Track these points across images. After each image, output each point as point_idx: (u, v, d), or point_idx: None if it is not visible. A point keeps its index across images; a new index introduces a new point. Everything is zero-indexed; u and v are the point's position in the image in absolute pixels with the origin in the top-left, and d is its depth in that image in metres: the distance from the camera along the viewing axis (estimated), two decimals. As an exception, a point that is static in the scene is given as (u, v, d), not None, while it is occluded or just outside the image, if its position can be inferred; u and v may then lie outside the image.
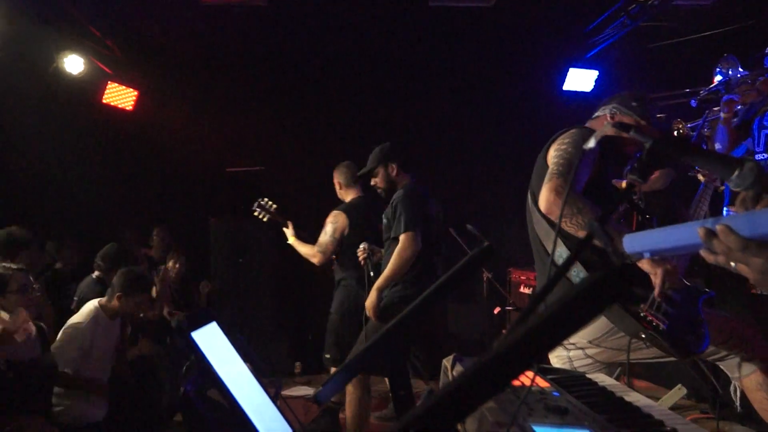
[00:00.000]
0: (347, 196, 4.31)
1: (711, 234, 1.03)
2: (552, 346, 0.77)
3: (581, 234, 2.09)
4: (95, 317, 3.40)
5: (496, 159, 6.43)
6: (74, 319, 3.43)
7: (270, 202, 4.54)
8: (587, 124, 2.44)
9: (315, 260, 4.18)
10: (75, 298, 4.19)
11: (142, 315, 3.84)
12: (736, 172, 1.27)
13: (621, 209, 2.32)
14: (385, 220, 3.66)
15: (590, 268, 2.07)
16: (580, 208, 2.02)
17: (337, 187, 4.37)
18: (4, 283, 2.89)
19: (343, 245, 4.13)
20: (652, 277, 1.95)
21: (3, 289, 2.88)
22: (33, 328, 3.01)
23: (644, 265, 1.95)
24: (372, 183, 3.83)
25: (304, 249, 4.27)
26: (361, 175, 3.96)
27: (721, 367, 2.37)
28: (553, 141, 2.32)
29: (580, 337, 2.19)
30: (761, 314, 3.33)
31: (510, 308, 5.12)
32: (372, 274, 3.66)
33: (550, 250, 2.25)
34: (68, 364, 3.21)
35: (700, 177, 3.72)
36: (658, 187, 4.49)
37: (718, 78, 4.30)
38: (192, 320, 1.37)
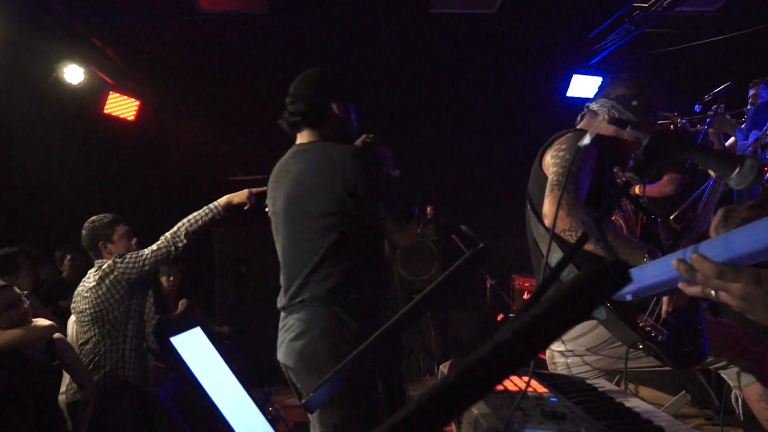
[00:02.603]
0: None
1: (686, 264, 0.99)
2: (544, 344, 0.73)
3: (589, 248, 2.05)
4: None
5: (499, 166, 6.40)
6: None
7: None
8: (581, 124, 2.37)
9: None
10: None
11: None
12: (737, 170, 1.23)
13: (625, 209, 2.28)
14: None
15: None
16: (584, 220, 1.98)
17: None
18: None
19: None
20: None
21: None
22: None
23: None
24: None
25: None
26: None
27: (722, 375, 2.32)
28: (548, 146, 2.25)
29: (578, 345, 2.14)
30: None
31: (513, 315, 5.08)
32: None
33: (541, 262, 2.22)
34: None
35: (712, 172, 3.68)
36: (668, 192, 4.44)
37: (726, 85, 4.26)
38: (172, 324, 1.34)
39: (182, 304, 5.13)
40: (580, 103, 7.16)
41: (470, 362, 0.68)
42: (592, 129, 1.23)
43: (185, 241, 3.22)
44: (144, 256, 3.15)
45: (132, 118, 6.29)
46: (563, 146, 2.16)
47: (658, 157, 1.21)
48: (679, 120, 4.38)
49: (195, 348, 1.36)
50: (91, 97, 6.04)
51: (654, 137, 1.20)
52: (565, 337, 2.13)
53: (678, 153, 1.21)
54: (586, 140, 1.16)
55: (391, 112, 6.48)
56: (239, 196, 3.26)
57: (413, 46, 6.13)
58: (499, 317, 5.04)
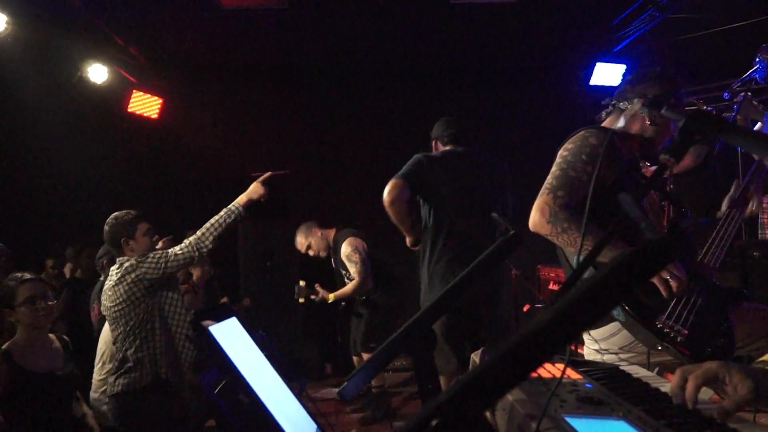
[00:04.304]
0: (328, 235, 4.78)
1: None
2: (584, 327, 0.73)
3: (571, 250, 2.04)
4: None
5: (523, 155, 6.33)
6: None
7: (302, 284, 4.77)
8: (606, 122, 2.26)
9: (366, 288, 4.41)
10: (96, 303, 4.20)
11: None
12: (774, 150, 1.21)
13: (651, 200, 2.24)
14: None
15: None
16: (564, 228, 1.95)
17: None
18: (12, 296, 2.78)
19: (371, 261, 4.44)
20: (658, 285, 1.89)
21: (11, 303, 2.78)
22: (54, 340, 2.98)
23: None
24: None
25: (348, 291, 4.47)
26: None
27: (759, 360, 2.28)
28: (564, 141, 2.20)
29: (611, 344, 2.12)
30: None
31: (539, 306, 5.05)
32: None
33: (566, 255, 2.20)
34: None
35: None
36: (689, 165, 4.33)
37: (755, 67, 4.18)
38: (210, 314, 1.35)
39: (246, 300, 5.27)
40: (604, 91, 7.10)
41: (508, 347, 0.68)
42: (626, 111, 1.20)
43: (210, 246, 3.23)
44: (167, 258, 3.13)
45: (155, 116, 6.36)
46: (570, 146, 2.12)
47: (695, 139, 1.19)
48: (705, 108, 4.30)
49: (232, 337, 1.37)
50: (115, 96, 6.12)
51: (691, 118, 1.18)
52: (597, 337, 2.12)
53: (715, 134, 1.19)
54: (621, 123, 1.13)
55: (413, 103, 6.46)
56: (255, 192, 3.27)
57: (434, 37, 6.10)
58: (525, 308, 5.02)
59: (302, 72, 6.53)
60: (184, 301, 3.49)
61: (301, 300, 4.71)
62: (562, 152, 2.14)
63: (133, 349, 3.09)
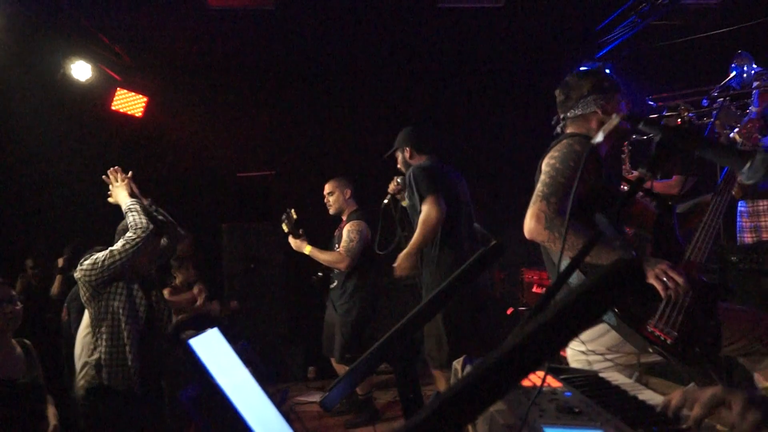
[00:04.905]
0: (350, 206, 4.57)
1: None
2: (563, 343, 0.75)
3: (568, 254, 2.08)
4: None
5: (507, 158, 6.40)
6: None
7: (293, 214, 4.59)
8: (569, 128, 2.37)
9: (342, 265, 4.31)
10: (65, 305, 4.14)
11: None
12: (748, 164, 1.25)
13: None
14: (408, 201, 3.66)
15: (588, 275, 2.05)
16: (562, 233, 1.98)
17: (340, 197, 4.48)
18: None
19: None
20: (657, 286, 1.92)
21: None
22: (16, 346, 2.90)
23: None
24: (397, 166, 3.92)
25: (326, 256, 4.38)
26: (386, 157, 4.01)
27: (741, 361, 2.33)
28: (546, 153, 2.27)
29: (599, 345, 2.16)
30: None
31: (523, 309, 5.09)
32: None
33: (552, 257, 2.24)
34: None
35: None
36: (674, 193, 4.44)
37: (732, 75, 4.26)
38: (192, 324, 1.35)
39: (198, 290, 5.17)
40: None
41: (488, 364, 0.70)
42: (605, 126, 1.24)
43: (147, 225, 3.18)
44: (106, 257, 3.04)
45: (140, 114, 6.31)
46: (556, 154, 2.19)
47: (671, 153, 1.22)
48: (686, 113, 4.38)
49: (212, 349, 1.37)
50: (98, 94, 6.06)
51: (666, 133, 1.21)
52: (584, 339, 2.16)
53: (690, 148, 1.22)
54: (600, 137, 1.17)
55: (399, 106, 6.48)
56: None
57: (421, 39, 6.12)
58: (509, 311, 5.06)
59: (288, 72, 6.52)
60: (169, 305, 3.46)
61: (284, 226, 4.59)
62: (548, 161, 2.19)
63: (90, 350, 3.02)
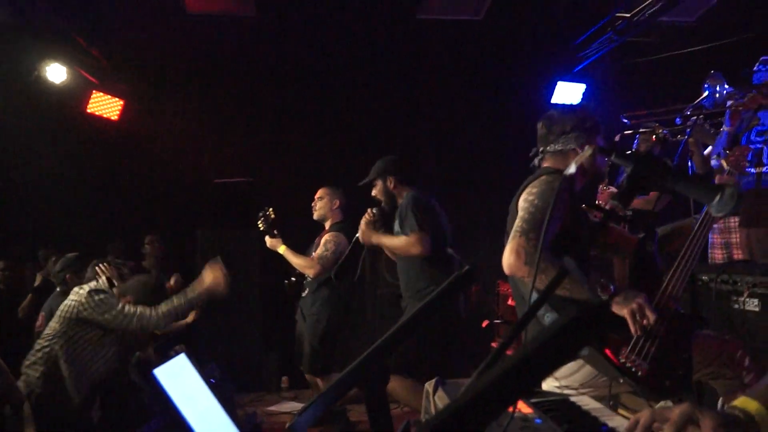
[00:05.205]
0: (335, 217, 4.45)
1: None
2: (530, 387, 0.75)
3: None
4: None
5: (483, 169, 6.44)
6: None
7: (271, 213, 4.52)
8: (547, 162, 2.40)
9: (311, 272, 4.25)
10: (42, 313, 4.10)
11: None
12: (717, 198, 1.27)
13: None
14: (397, 229, 3.65)
15: (559, 310, 2.07)
16: (542, 269, 1.99)
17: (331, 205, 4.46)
18: None
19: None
20: (629, 322, 1.95)
21: None
22: None
23: (613, 307, 1.95)
24: (372, 194, 3.86)
25: (298, 260, 4.31)
26: (361, 186, 3.97)
27: (712, 385, 2.36)
28: (524, 188, 2.29)
29: (572, 381, 2.18)
30: (743, 330, 3.33)
31: (498, 321, 5.09)
32: None
33: (522, 291, 2.25)
34: None
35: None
36: (650, 208, 4.49)
37: (705, 94, 4.33)
38: (157, 354, 1.33)
39: (176, 280, 5.09)
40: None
41: (455, 408, 0.70)
42: (578, 157, 1.25)
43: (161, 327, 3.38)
44: (126, 315, 3.25)
45: (115, 117, 6.23)
46: (534, 190, 2.20)
47: (641, 185, 1.24)
48: (661, 131, 4.45)
49: (179, 376, 1.35)
50: (73, 96, 5.97)
51: (638, 166, 1.23)
52: (557, 375, 2.17)
53: (660, 181, 1.23)
54: (572, 168, 1.18)
55: (377, 116, 6.49)
56: (217, 284, 3.39)
57: (400, 50, 6.15)
58: (484, 323, 5.06)
59: (267, 80, 6.48)
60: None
61: (260, 224, 4.54)
62: (527, 196, 2.21)
63: (39, 351, 3.17)
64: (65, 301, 3.28)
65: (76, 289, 3.32)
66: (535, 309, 1.09)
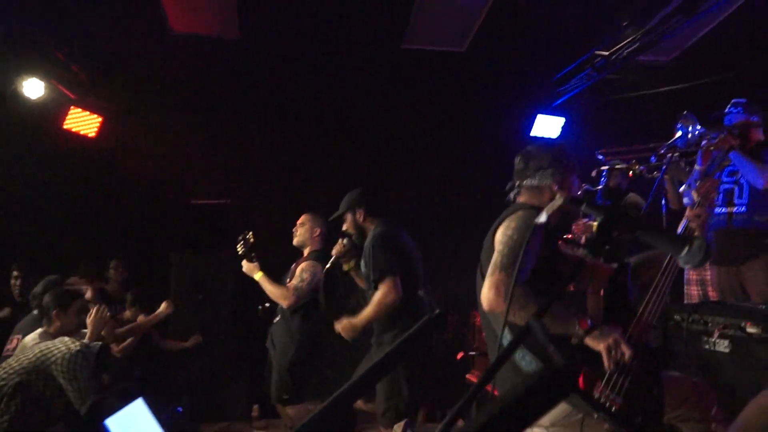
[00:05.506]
0: (314, 244, 4.39)
1: None
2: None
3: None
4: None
5: (463, 202, 6.47)
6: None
7: (251, 237, 4.46)
8: (523, 197, 2.43)
9: (285, 302, 4.17)
10: (17, 336, 3.95)
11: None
12: (686, 250, 1.28)
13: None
14: (363, 269, 3.61)
15: (535, 352, 2.08)
16: (523, 304, 1.99)
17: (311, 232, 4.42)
18: None
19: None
20: (604, 357, 1.96)
21: None
22: None
23: (589, 342, 1.96)
24: (343, 228, 3.83)
25: (273, 289, 4.23)
26: (331, 220, 3.94)
27: (681, 428, 2.37)
28: (500, 222, 2.30)
29: (542, 421, 2.17)
30: (714, 371, 3.36)
31: (473, 353, 5.06)
32: None
33: (497, 333, 2.25)
34: None
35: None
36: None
37: (678, 134, 4.42)
38: (111, 402, 1.29)
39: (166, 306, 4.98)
40: (543, 142, 7.32)
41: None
42: (549, 206, 1.26)
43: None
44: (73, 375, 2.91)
45: (93, 134, 6.14)
46: (513, 224, 2.22)
47: (611, 236, 1.25)
48: (637, 167, 4.52)
49: (134, 425, 1.30)
50: (50, 112, 5.89)
51: (608, 216, 1.24)
52: None
53: (630, 232, 1.25)
54: (543, 218, 1.19)
55: (357, 143, 6.51)
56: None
57: (384, 78, 6.20)
58: (459, 355, 5.02)
59: (248, 103, 6.47)
60: None
61: (239, 247, 4.45)
62: (504, 230, 2.22)
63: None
64: (48, 343, 3.03)
65: (66, 339, 3.08)
66: (509, 352, 1.08)
